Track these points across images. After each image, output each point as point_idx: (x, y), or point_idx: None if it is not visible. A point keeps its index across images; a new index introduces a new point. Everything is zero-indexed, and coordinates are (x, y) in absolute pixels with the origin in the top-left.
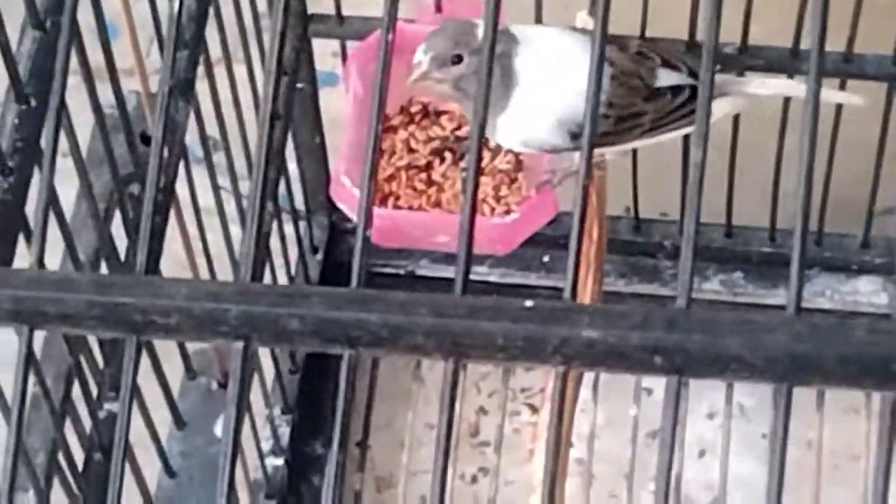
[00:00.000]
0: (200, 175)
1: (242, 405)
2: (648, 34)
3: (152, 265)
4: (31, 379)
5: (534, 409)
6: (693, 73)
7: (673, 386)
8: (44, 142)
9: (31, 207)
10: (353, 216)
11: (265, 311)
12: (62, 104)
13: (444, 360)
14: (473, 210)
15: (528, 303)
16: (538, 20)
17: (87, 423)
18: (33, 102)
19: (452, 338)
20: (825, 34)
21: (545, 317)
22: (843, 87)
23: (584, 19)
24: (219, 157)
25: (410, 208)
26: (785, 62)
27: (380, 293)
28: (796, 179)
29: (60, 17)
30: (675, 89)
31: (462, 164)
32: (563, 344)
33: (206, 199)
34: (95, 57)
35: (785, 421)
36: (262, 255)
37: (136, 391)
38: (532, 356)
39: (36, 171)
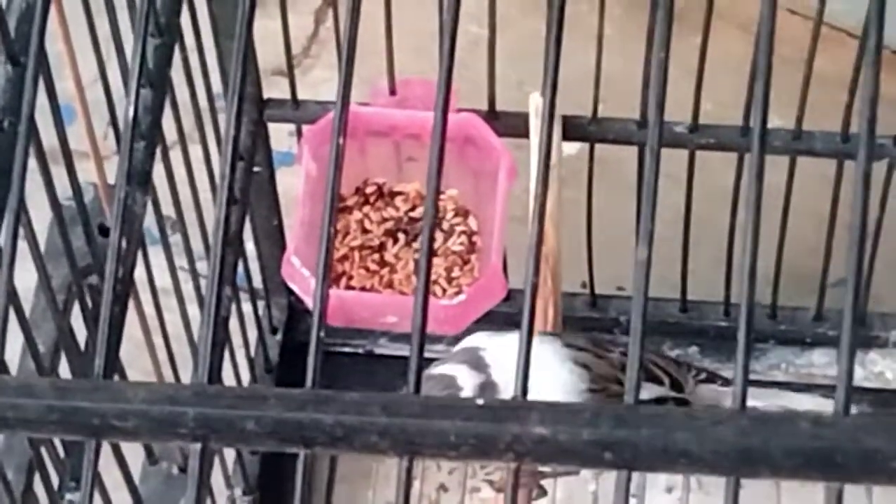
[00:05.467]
0: (156, 255)
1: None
2: (600, 113)
3: (111, 365)
4: None
5: (493, 485)
6: (676, 385)
7: (623, 480)
8: (1, 241)
9: None
10: (304, 297)
11: (222, 413)
12: (20, 208)
13: (398, 458)
14: (425, 311)
15: (480, 401)
16: (490, 100)
17: None
18: None
19: (406, 437)
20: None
21: (497, 414)
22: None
23: (537, 100)
24: (175, 238)
25: (363, 289)
26: (735, 140)
27: (334, 393)
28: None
29: (16, 117)
30: (658, 401)
31: (415, 244)
32: (514, 441)
33: (162, 279)
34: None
35: None
36: (220, 339)
37: (97, 479)
38: (484, 453)
39: None
